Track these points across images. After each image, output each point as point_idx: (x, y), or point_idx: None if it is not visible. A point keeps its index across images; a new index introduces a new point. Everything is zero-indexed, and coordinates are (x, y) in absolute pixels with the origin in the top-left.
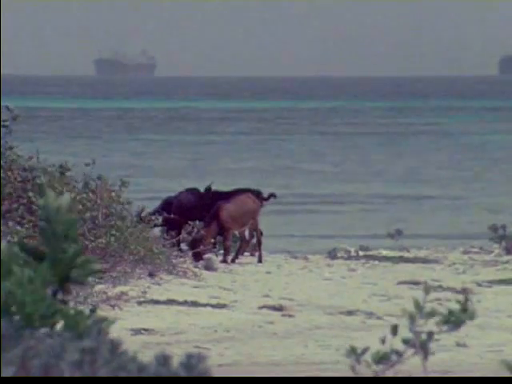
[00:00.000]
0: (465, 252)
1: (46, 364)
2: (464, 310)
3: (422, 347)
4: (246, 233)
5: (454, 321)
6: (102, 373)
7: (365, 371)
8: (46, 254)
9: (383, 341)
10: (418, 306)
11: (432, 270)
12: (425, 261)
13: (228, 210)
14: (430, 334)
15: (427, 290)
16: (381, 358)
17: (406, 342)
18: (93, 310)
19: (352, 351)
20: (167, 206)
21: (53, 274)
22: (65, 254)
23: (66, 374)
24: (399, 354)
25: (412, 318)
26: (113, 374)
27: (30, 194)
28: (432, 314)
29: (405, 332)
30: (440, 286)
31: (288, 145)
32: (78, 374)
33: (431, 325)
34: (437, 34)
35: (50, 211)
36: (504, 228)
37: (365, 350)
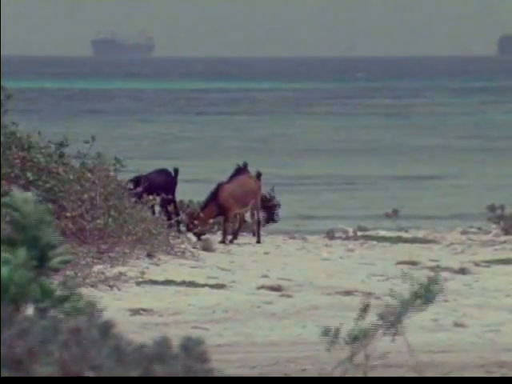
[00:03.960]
0: (463, 232)
1: (33, 345)
2: (428, 289)
3: (392, 327)
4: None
5: (420, 301)
6: (92, 354)
7: (341, 352)
8: (18, 241)
9: (357, 320)
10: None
11: (430, 250)
12: (423, 241)
13: (229, 190)
14: (399, 316)
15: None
16: (353, 340)
17: (378, 319)
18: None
19: (326, 332)
20: (135, 184)
21: (29, 260)
22: (39, 241)
23: (56, 356)
24: (368, 335)
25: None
26: (104, 356)
27: (29, 174)
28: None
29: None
30: (438, 266)
31: (284, 125)
32: (66, 355)
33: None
34: (433, 12)
35: (18, 203)
36: (502, 208)
37: (337, 332)
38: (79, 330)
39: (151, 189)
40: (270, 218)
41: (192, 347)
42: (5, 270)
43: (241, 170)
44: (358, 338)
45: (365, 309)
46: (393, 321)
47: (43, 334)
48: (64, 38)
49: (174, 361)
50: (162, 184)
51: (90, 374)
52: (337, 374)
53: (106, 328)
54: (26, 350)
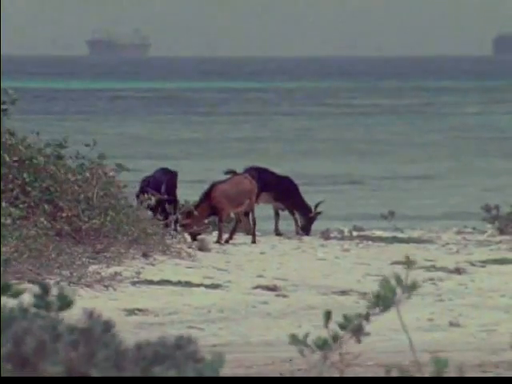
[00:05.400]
0: (458, 232)
1: (40, 344)
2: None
3: (355, 331)
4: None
5: (383, 303)
6: (99, 354)
7: (312, 356)
8: None
9: (326, 326)
10: (398, 280)
11: (425, 250)
12: (418, 241)
13: (221, 190)
14: (365, 318)
15: (410, 264)
16: (322, 345)
17: (342, 327)
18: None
19: (294, 339)
20: (146, 185)
21: None
22: None
23: (62, 355)
24: (336, 338)
25: (391, 291)
26: (109, 355)
27: (25, 175)
28: (414, 286)
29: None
30: (433, 266)
31: (281, 125)
32: (73, 355)
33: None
34: (428, 11)
35: None
36: (497, 208)
37: (306, 337)
38: (90, 330)
39: (159, 188)
40: (305, 229)
41: (185, 346)
42: None
43: (251, 169)
44: (327, 344)
45: (328, 315)
46: (357, 325)
47: (43, 333)
48: (59, 38)
49: (169, 361)
50: (166, 183)
51: (94, 373)
52: (312, 375)
53: (107, 328)
54: (32, 348)
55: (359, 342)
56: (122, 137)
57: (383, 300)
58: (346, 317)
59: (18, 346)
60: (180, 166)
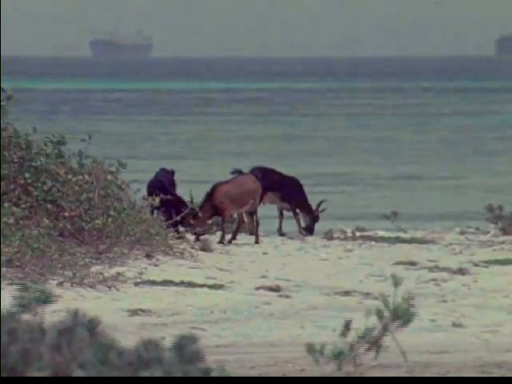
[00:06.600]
0: (461, 232)
1: (25, 349)
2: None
3: (375, 343)
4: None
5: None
6: (81, 355)
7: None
8: None
9: (344, 334)
10: (386, 303)
11: (428, 250)
12: (421, 241)
13: (224, 190)
14: (384, 330)
15: (398, 281)
16: (338, 355)
17: (361, 337)
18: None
19: (311, 349)
20: (154, 187)
21: None
22: None
23: (46, 358)
24: (353, 350)
25: (380, 316)
26: (93, 356)
27: (27, 174)
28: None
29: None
30: (436, 267)
31: (282, 125)
32: (57, 357)
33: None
34: (431, 12)
35: None
36: (500, 208)
37: (323, 347)
38: (69, 330)
39: (166, 189)
40: (309, 229)
41: (185, 345)
42: None
43: (257, 169)
44: (343, 354)
45: (347, 326)
46: (374, 340)
47: (31, 334)
48: (62, 39)
49: (160, 364)
50: (170, 183)
51: (80, 373)
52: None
53: (92, 327)
54: (18, 355)
55: (378, 354)
56: (123, 137)
57: (403, 314)
58: (365, 329)
59: (3, 354)
60: (182, 166)
